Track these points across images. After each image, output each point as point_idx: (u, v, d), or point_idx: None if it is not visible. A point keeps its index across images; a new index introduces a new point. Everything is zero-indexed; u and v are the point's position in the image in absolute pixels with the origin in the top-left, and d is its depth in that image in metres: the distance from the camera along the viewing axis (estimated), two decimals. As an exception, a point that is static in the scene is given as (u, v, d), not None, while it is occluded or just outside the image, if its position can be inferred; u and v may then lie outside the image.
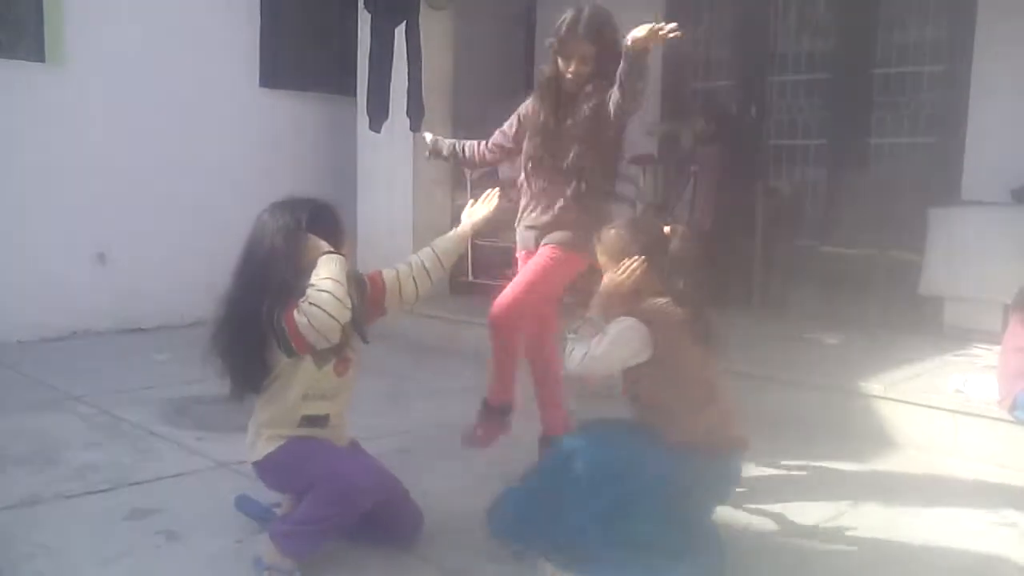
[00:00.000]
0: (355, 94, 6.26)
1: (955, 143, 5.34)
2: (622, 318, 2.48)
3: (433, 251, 2.84)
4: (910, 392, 3.85)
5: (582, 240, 2.96)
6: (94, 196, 5.74)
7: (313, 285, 2.39)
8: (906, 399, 3.82)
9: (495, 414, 3.19)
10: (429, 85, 5.45)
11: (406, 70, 5.18)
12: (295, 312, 2.37)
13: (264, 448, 2.56)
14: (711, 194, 5.78)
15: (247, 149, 6.43)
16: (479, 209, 2.97)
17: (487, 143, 3.34)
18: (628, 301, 2.55)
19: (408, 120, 5.32)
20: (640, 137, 6.11)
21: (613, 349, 2.46)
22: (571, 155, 3.04)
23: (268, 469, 2.58)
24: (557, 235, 3.11)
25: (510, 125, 3.27)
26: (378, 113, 5.29)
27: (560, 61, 3.03)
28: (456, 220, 3.04)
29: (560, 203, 3.09)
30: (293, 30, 6.74)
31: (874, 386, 3.92)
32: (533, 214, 3.17)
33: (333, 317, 2.36)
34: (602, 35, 2.98)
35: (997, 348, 3.75)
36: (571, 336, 2.55)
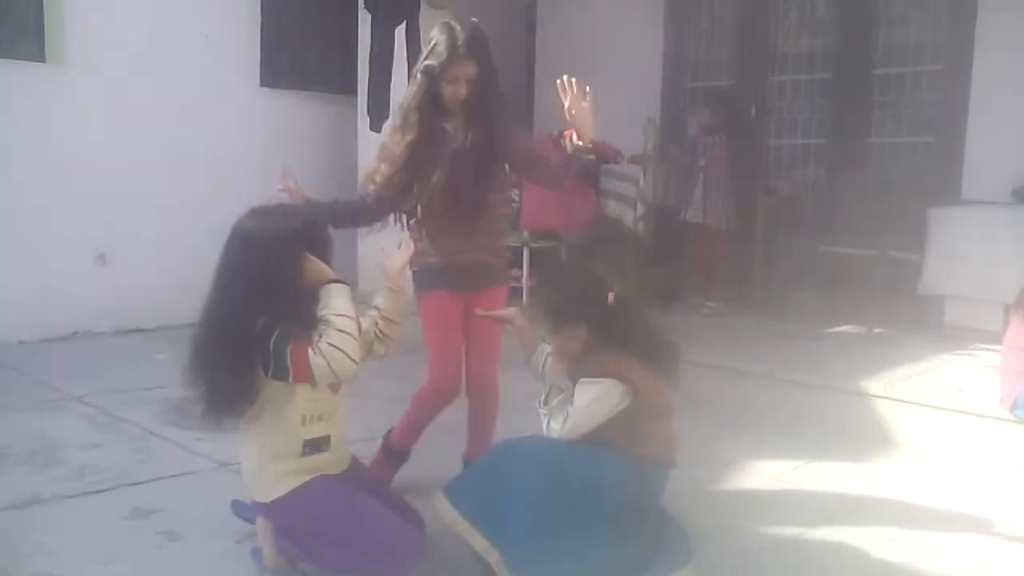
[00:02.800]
0: (356, 94, 6.27)
1: (955, 143, 5.34)
2: (595, 380, 2.39)
3: (380, 313, 2.67)
4: (910, 391, 3.85)
5: (507, 269, 3.19)
6: (94, 196, 5.74)
7: (330, 323, 2.28)
8: (906, 398, 3.82)
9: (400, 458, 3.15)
10: (429, 85, 5.44)
11: (406, 70, 5.18)
12: (310, 350, 2.25)
13: (274, 489, 2.40)
14: (722, 191, 5.74)
15: (247, 149, 6.42)
16: (396, 258, 2.73)
17: (370, 197, 3.02)
18: (580, 359, 2.47)
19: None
20: (639, 137, 6.12)
21: (595, 411, 2.39)
22: (470, 184, 2.89)
23: (279, 511, 2.42)
24: (494, 274, 3.06)
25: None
26: (378, 113, 5.29)
27: (444, 85, 2.86)
28: None
29: (477, 238, 2.98)
30: (294, 30, 6.74)
31: (874, 385, 3.92)
32: (453, 252, 2.97)
33: (353, 360, 2.28)
34: (484, 53, 2.88)
35: (998, 348, 3.75)
36: (543, 410, 2.47)
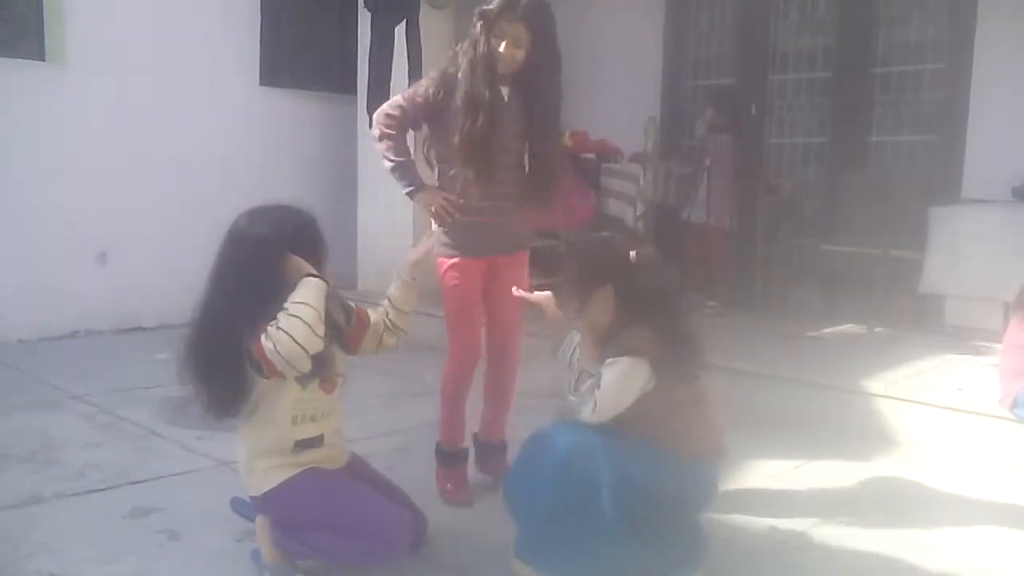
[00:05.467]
0: (356, 93, 6.27)
1: (956, 141, 5.34)
2: (618, 360, 2.37)
3: (392, 304, 2.70)
4: (911, 390, 3.84)
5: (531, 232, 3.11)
6: (94, 195, 5.74)
7: (285, 309, 2.24)
8: (907, 397, 3.82)
9: (453, 459, 3.07)
10: (429, 84, 5.44)
11: (406, 69, 5.18)
12: (263, 336, 2.22)
13: (262, 483, 2.40)
14: (727, 191, 5.71)
15: (247, 148, 6.43)
16: (414, 251, 2.82)
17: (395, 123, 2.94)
18: (608, 338, 2.45)
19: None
20: (640, 135, 6.12)
21: (621, 389, 2.36)
22: (517, 140, 2.82)
23: (272, 504, 2.42)
24: (521, 237, 3.00)
25: (424, 96, 2.86)
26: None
27: (492, 40, 2.72)
28: None
29: (508, 201, 2.90)
30: (293, 28, 6.74)
31: (875, 384, 3.92)
32: (483, 212, 2.88)
33: (300, 345, 2.21)
34: (542, 24, 2.75)
35: (998, 346, 3.75)
36: (573, 396, 2.46)
